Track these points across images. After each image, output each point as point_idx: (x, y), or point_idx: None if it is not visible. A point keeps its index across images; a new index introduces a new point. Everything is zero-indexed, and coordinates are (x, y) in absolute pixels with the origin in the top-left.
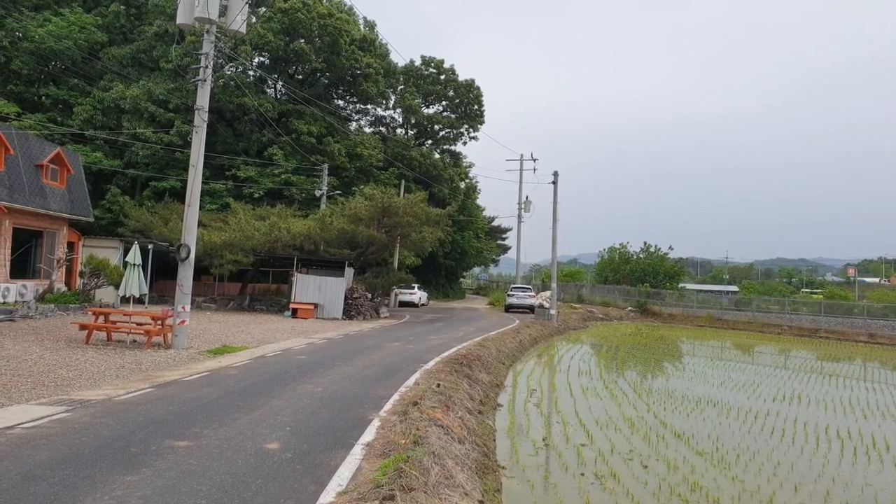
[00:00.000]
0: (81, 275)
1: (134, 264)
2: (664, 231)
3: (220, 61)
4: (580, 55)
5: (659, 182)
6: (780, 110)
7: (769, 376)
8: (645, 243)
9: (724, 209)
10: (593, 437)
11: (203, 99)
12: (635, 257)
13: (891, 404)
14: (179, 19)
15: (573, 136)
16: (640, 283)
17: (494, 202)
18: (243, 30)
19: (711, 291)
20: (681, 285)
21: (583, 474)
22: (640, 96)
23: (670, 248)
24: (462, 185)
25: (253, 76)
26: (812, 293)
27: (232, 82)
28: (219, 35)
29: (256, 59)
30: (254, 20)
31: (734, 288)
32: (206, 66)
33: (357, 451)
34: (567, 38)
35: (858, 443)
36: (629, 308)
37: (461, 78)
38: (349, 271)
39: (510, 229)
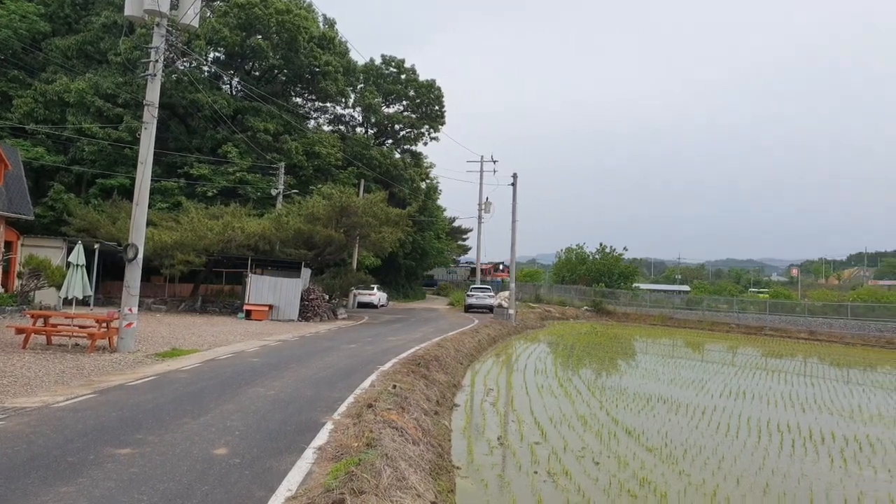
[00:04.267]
0: (20, 276)
1: (77, 265)
2: (620, 232)
3: (172, 56)
4: (542, 61)
5: (616, 184)
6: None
7: (717, 373)
8: (601, 244)
9: (677, 211)
10: (547, 434)
11: (153, 94)
12: (591, 258)
13: (827, 398)
14: (127, 11)
15: (534, 139)
16: (595, 283)
17: (455, 203)
18: (196, 24)
19: (664, 291)
20: (635, 285)
21: (536, 472)
22: (598, 101)
23: (625, 248)
24: (423, 185)
25: (207, 72)
26: (759, 292)
27: (185, 77)
28: (170, 29)
29: (211, 55)
30: (209, 14)
31: (686, 288)
32: (157, 61)
33: (308, 455)
34: (530, 44)
35: (797, 435)
36: (585, 307)
37: (422, 78)
38: (306, 272)
39: (471, 230)
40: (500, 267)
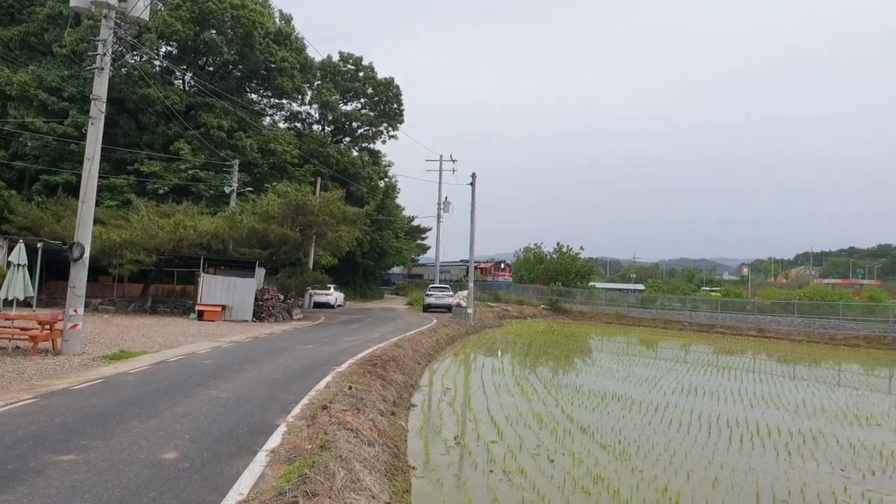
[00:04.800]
0: None
1: (18, 264)
2: (576, 232)
3: (121, 49)
4: (499, 64)
5: (574, 185)
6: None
7: (670, 370)
8: (558, 244)
9: (633, 211)
10: (504, 433)
11: (100, 88)
12: (549, 257)
13: (774, 394)
14: (73, 1)
15: (493, 139)
16: (553, 282)
17: (414, 202)
18: (146, 17)
19: (619, 290)
20: (591, 284)
21: (492, 471)
22: (555, 102)
23: (581, 248)
24: (381, 183)
25: (159, 66)
26: (711, 291)
27: (135, 72)
28: (119, 21)
29: (163, 49)
30: (160, 7)
31: (640, 286)
32: (105, 54)
33: (261, 458)
34: (486, 46)
35: (745, 430)
36: (542, 306)
37: (381, 76)
38: (260, 271)
39: (430, 229)
40: (502, 266)
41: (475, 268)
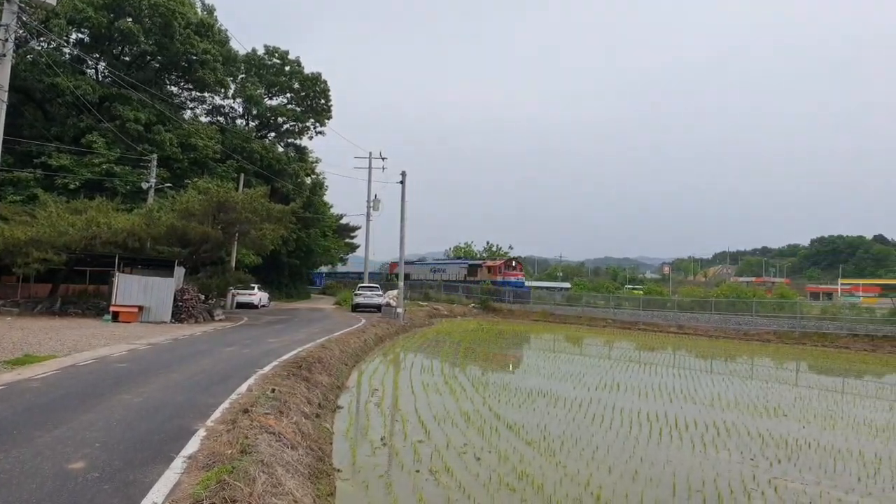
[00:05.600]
0: None
1: None
2: (506, 231)
3: (25, 35)
4: (427, 60)
5: (503, 185)
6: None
7: (594, 367)
8: (488, 243)
9: (559, 210)
10: (431, 433)
11: (2, 76)
12: (479, 256)
13: (692, 388)
14: None
15: (425, 138)
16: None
17: (343, 200)
18: (53, 1)
19: (547, 288)
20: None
21: (418, 471)
22: (483, 97)
23: (510, 247)
24: (308, 180)
25: (69, 54)
26: (634, 289)
27: (42, 59)
28: (23, 5)
29: (74, 36)
30: None
31: (567, 285)
32: (7, 40)
33: (177, 465)
34: (418, 43)
35: (664, 424)
36: (472, 305)
37: (308, 71)
38: (179, 271)
39: (359, 227)
40: (514, 263)
41: (482, 266)
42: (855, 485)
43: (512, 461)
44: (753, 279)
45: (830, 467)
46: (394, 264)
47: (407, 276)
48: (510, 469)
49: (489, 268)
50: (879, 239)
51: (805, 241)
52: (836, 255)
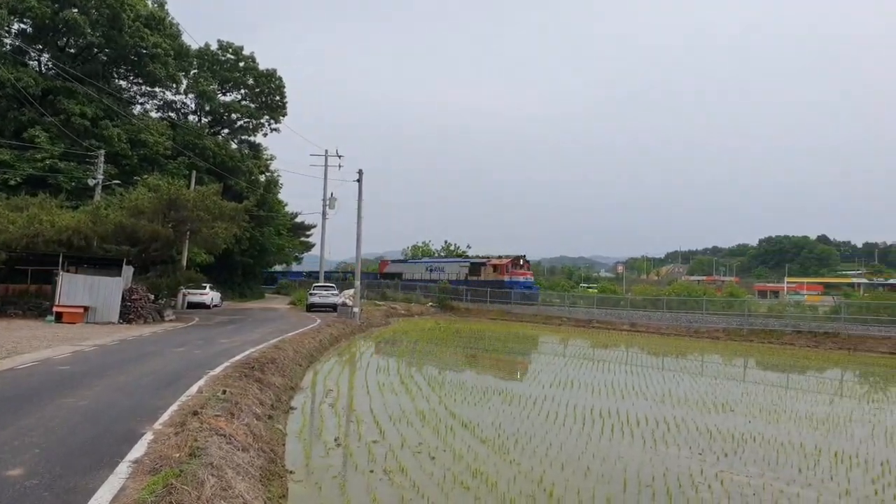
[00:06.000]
0: None
1: None
2: (464, 230)
3: None
4: (393, 59)
5: (462, 184)
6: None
7: (549, 364)
8: (446, 242)
9: (516, 210)
10: (386, 433)
11: None
12: (437, 255)
13: (643, 385)
14: None
15: (384, 137)
16: (400, 279)
17: (299, 198)
18: None
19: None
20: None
21: (372, 471)
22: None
23: (468, 246)
24: (262, 178)
25: (10, 45)
26: (588, 288)
27: None
28: None
29: (15, 26)
30: None
31: None
32: None
33: (123, 470)
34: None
35: (616, 420)
36: (430, 304)
37: (262, 67)
38: (128, 270)
39: (315, 226)
40: (521, 262)
41: (485, 265)
42: (796, 476)
43: (466, 459)
44: (704, 278)
45: (773, 460)
46: (384, 262)
47: (399, 276)
48: (464, 467)
49: (495, 266)
50: (823, 239)
51: (754, 241)
52: (782, 255)
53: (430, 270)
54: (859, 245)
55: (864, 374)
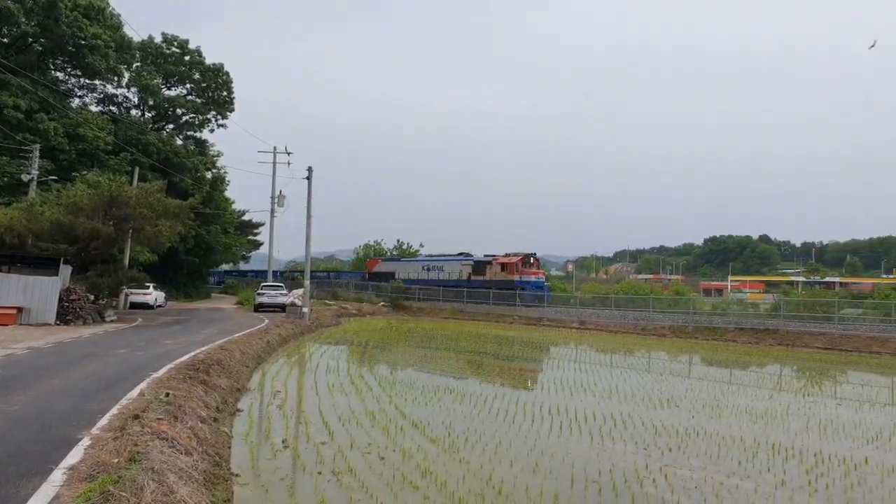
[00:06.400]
0: None
1: None
2: (417, 229)
3: None
4: (342, 55)
5: (414, 183)
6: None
7: (499, 363)
8: (398, 240)
9: (466, 209)
10: (335, 434)
11: None
12: (389, 254)
13: (592, 381)
14: None
15: (336, 134)
16: (393, 279)
17: (248, 195)
18: None
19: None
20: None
21: (320, 473)
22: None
23: (421, 245)
24: (208, 175)
25: None
26: None
27: None
28: None
29: None
30: None
31: None
32: None
33: (57, 477)
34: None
35: (564, 417)
36: (382, 303)
37: (209, 61)
38: (66, 269)
39: (263, 224)
40: (531, 260)
41: (492, 264)
42: (736, 468)
43: (416, 459)
44: (651, 276)
45: (715, 453)
46: (373, 260)
47: (392, 276)
48: (414, 467)
49: (503, 265)
50: (764, 239)
51: (699, 241)
52: (726, 254)
53: (428, 270)
54: (798, 245)
55: (801, 369)
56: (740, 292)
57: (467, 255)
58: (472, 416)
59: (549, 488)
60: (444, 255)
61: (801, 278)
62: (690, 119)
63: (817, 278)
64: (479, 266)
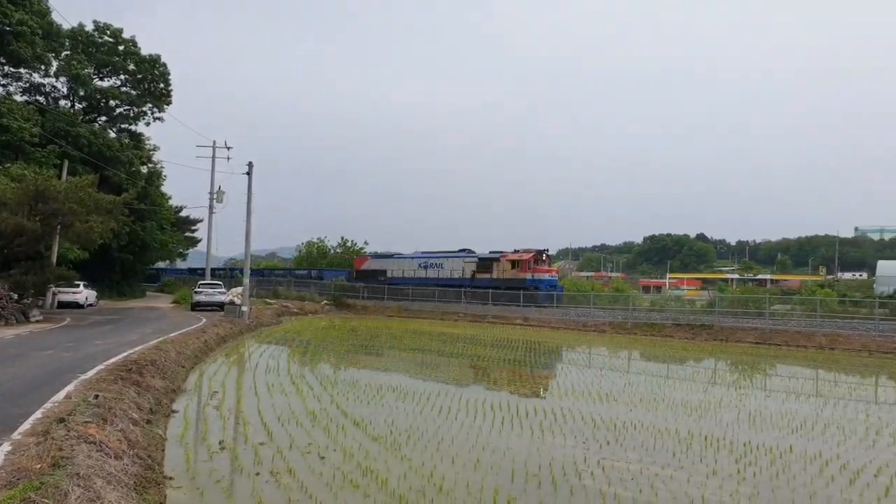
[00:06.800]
0: None
1: None
2: (362, 227)
3: None
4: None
5: (359, 181)
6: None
7: (444, 360)
8: (342, 238)
9: (411, 206)
10: (274, 434)
11: None
12: (332, 251)
13: (535, 377)
14: None
15: (279, 131)
16: (336, 277)
17: (186, 191)
18: None
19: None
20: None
21: (258, 474)
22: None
23: (366, 242)
24: (144, 169)
25: None
26: None
27: None
28: None
29: None
30: None
31: None
32: None
33: None
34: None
35: (506, 413)
36: (325, 302)
37: (145, 52)
38: None
39: (201, 220)
40: (544, 257)
41: (499, 261)
42: (670, 460)
43: (357, 458)
44: (593, 274)
45: (651, 445)
46: (361, 257)
47: (382, 273)
48: (355, 466)
49: (514, 262)
50: (701, 237)
51: (639, 239)
52: (665, 252)
53: (425, 268)
54: (733, 243)
55: (734, 363)
56: (678, 289)
57: (469, 251)
58: (415, 413)
59: (489, 483)
60: (444, 252)
61: (736, 275)
62: (630, 120)
63: (751, 275)
64: (485, 263)
